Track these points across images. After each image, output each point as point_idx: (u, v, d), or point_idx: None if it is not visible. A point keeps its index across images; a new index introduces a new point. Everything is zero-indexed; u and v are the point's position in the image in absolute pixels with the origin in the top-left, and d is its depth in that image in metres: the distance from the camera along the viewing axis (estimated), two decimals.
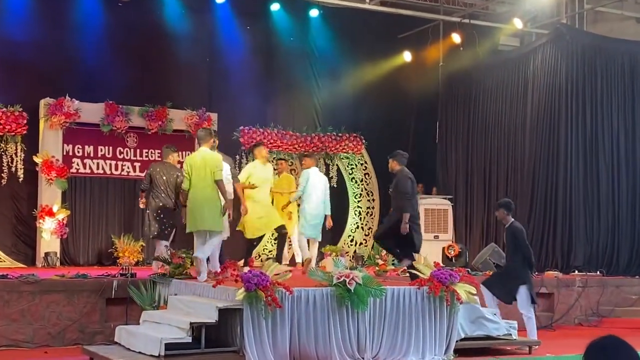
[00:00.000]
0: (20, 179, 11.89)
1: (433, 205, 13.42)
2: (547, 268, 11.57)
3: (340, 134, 14.51)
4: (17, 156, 11.81)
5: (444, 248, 12.25)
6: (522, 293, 8.58)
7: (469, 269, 10.58)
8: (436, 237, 13.20)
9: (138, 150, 12.70)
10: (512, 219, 8.77)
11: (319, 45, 14.68)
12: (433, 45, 14.69)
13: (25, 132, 11.84)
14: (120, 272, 8.96)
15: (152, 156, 12.77)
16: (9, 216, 12.09)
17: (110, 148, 12.53)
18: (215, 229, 8.14)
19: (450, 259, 11.96)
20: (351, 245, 14.45)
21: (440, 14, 14.48)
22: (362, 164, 14.86)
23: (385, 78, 14.89)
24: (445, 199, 13.64)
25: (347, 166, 14.64)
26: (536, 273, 10.12)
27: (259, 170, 10.16)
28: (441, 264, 8.57)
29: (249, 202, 9.51)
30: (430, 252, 12.67)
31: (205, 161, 8.18)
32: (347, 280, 7.10)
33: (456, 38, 14.29)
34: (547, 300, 10.61)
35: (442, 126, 14.80)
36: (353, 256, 13.83)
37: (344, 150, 14.53)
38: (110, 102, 12.42)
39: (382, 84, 14.81)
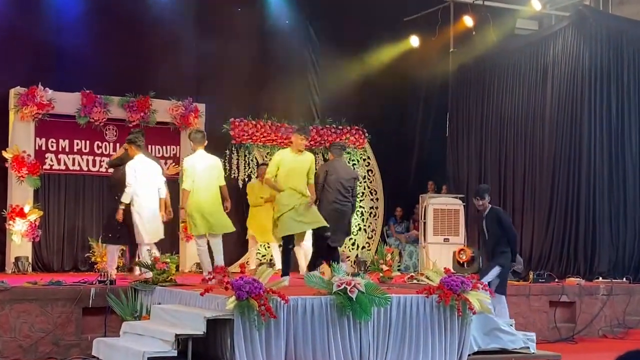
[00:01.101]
0: None
1: (443, 205, 13.43)
2: (568, 275, 11.57)
3: (340, 127, 14.51)
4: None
5: (454, 252, 12.25)
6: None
7: None
8: (446, 240, 13.22)
9: (118, 145, 12.67)
10: (490, 205, 9.12)
11: (317, 28, 14.67)
12: (443, 29, 14.67)
13: None
14: (98, 278, 8.95)
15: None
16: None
17: (87, 142, 12.55)
18: (229, 229, 9.49)
19: (461, 264, 11.97)
20: (353, 249, 14.46)
21: None
22: (364, 160, 14.87)
23: (390, 65, 14.87)
24: (457, 198, 13.64)
25: (349, 162, 14.63)
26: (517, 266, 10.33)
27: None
28: (452, 270, 8.57)
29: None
30: (440, 256, 12.71)
31: (210, 165, 9.26)
32: (349, 287, 7.10)
33: (468, 21, 14.26)
34: (569, 310, 10.62)
35: (452, 118, 14.79)
36: (355, 261, 13.84)
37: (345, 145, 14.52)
38: (88, 91, 12.42)
39: (387, 71, 14.79)
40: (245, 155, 13.76)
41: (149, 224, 9.59)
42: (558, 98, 12.57)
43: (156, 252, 9.18)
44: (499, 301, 8.78)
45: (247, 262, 12.03)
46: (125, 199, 9.50)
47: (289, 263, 9.20)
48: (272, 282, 7.10)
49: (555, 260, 12.22)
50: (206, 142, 9.46)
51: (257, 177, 12.60)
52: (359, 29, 14.55)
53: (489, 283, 8.56)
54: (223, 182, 9.42)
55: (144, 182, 9.58)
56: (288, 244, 9.08)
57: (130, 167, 9.55)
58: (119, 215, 9.54)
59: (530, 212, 12.89)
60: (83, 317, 8.49)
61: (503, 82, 13.81)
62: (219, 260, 9.18)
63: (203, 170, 9.24)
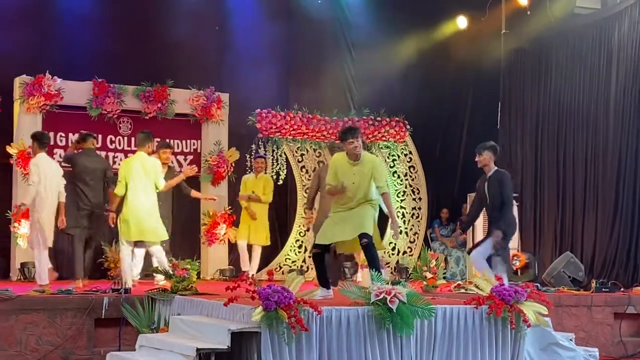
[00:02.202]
0: None
1: None
2: (636, 283, 11.46)
3: (379, 118, 14.50)
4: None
5: None
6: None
7: (539, 284, 10.52)
8: None
9: (133, 139, 12.79)
10: (496, 167, 9.25)
11: (353, 9, 14.67)
12: (494, 8, 14.61)
13: None
14: (112, 287, 9.03)
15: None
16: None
17: (100, 136, 12.62)
18: (164, 238, 10.01)
19: (515, 271, 11.92)
20: (393, 254, 14.45)
21: None
22: (406, 155, 14.84)
23: (434, 49, 14.84)
24: None
25: (388, 157, 14.62)
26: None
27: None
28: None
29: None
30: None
31: (145, 168, 9.71)
32: (389, 297, 7.09)
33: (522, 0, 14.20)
34: (636, 323, 10.51)
35: (505, 108, 14.73)
36: (395, 268, 13.83)
37: (384, 138, 14.52)
38: (100, 80, 12.54)
39: (431, 56, 14.77)
40: (273, 150, 13.80)
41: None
42: (624, 85, 12.44)
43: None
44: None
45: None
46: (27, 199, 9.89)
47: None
48: (303, 291, 7.11)
49: (620, 267, 12.10)
50: (150, 143, 10.07)
51: (251, 171, 12.76)
52: (401, 10, 14.52)
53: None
54: (161, 187, 9.95)
55: (46, 184, 9.91)
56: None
57: (34, 165, 9.90)
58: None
59: (593, 213, 12.77)
60: (95, 329, 8.55)
61: (561, 68, 13.70)
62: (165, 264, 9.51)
63: (139, 175, 9.70)
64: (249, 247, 12.49)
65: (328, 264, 9.16)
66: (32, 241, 9.99)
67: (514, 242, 13.21)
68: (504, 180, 9.26)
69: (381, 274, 7.78)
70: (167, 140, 12.12)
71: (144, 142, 10.01)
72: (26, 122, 12.15)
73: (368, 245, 8.16)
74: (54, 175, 9.93)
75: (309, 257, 13.39)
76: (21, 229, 11.74)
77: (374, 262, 8.10)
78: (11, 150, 12.02)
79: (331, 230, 8.32)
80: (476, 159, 9.42)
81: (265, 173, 12.81)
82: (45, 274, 9.74)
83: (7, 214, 12.03)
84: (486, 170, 9.35)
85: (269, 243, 12.68)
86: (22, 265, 11.63)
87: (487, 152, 9.23)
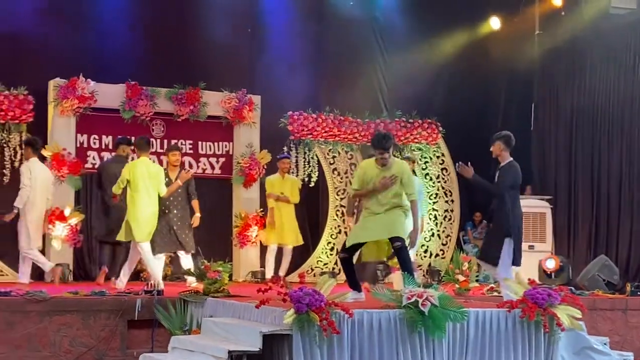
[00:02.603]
0: None
1: (527, 208, 13.20)
2: None
3: (411, 120, 14.47)
4: (21, 148, 12.06)
5: (541, 261, 12.14)
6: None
7: (573, 288, 10.45)
8: (531, 247, 13.04)
9: (165, 141, 12.88)
10: (511, 158, 9.07)
11: (385, 10, 14.66)
12: (527, 9, 14.53)
13: (31, 119, 12.10)
14: (145, 288, 9.10)
15: (182, 148, 12.94)
16: (13, 221, 12.36)
17: (132, 138, 12.67)
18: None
19: (549, 274, 11.85)
20: (425, 257, 14.41)
21: None
22: (438, 157, 14.80)
23: (467, 50, 14.78)
24: (543, 200, 13.48)
25: (420, 160, 14.59)
26: None
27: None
28: (537, 281, 8.49)
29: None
30: (524, 266, 12.53)
31: (150, 173, 9.94)
32: (420, 300, 7.09)
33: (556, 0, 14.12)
34: None
35: (539, 109, 14.65)
36: (427, 271, 13.79)
37: (416, 140, 14.50)
38: (133, 82, 12.63)
39: (464, 57, 14.71)
40: (305, 152, 13.82)
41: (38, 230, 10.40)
42: None
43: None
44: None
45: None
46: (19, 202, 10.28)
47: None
48: (335, 294, 7.13)
49: None
50: (150, 149, 10.50)
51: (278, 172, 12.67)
52: (433, 11, 14.48)
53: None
54: (163, 193, 10.07)
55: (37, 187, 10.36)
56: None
57: (27, 169, 10.26)
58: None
59: (628, 215, 12.67)
60: (128, 330, 8.62)
61: (596, 69, 13.61)
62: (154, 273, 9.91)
63: (143, 179, 9.87)
64: (279, 250, 12.51)
65: (358, 266, 9.20)
66: (20, 242, 10.52)
67: (548, 245, 13.17)
68: (509, 170, 9.17)
69: (413, 277, 7.77)
70: (176, 143, 12.29)
71: (146, 148, 10.28)
72: (60, 124, 12.26)
73: (401, 248, 8.17)
74: (44, 180, 10.37)
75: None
76: (55, 231, 11.84)
77: (406, 266, 8.10)
78: (46, 152, 12.10)
79: (361, 232, 8.36)
80: (491, 149, 9.37)
81: (290, 173, 12.84)
82: (28, 274, 10.28)
83: None
84: (500, 161, 9.34)
85: (301, 242, 12.69)
86: (56, 266, 11.71)
87: (498, 142, 9.16)
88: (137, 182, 9.86)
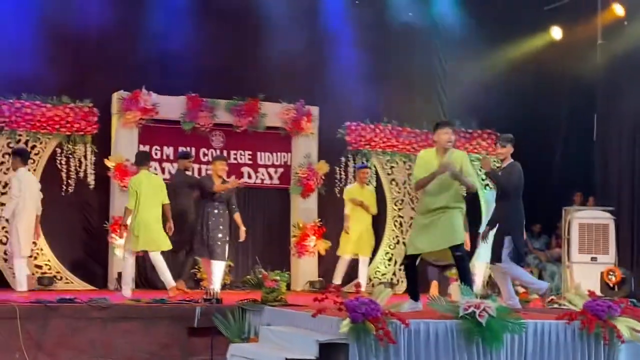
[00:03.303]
0: (90, 186, 12.43)
1: (590, 220, 13.15)
2: None
3: (470, 130, 14.43)
4: (86, 159, 12.36)
5: (602, 273, 12.03)
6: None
7: (634, 300, 10.29)
8: (594, 259, 12.94)
9: (225, 152, 13.04)
10: (512, 159, 9.31)
11: (445, 20, 14.66)
12: (589, 18, 14.40)
13: (95, 131, 12.40)
14: (204, 297, 9.25)
15: (241, 158, 13.12)
16: (77, 229, 12.64)
17: (193, 149, 12.87)
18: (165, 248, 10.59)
19: (610, 287, 11.72)
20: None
21: None
22: (498, 167, 14.68)
23: (528, 60, 14.69)
24: (606, 211, 13.33)
25: (480, 170, 14.51)
26: None
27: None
28: (598, 293, 8.40)
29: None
30: (586, 277, 12.42)
31: (153, 185, 10.46)
32: (478, 311, 7.07)
33: (619, 9, 13.96)
34: None
35: (601, 120, 14.48)
36: (487, 282, 13.70)
37: (476, 151, 14.44)
38: (193, 94, 12.83)
39: (524, 67, 14.62)
40: (362, 163, 13.85)
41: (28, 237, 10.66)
42: None
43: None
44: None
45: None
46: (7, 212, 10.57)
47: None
48: (391, 303, 7.16)
49: None
50: (150, 162, 11.19)
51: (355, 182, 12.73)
52: (493, 20, 14.44)
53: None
54: (167, 201, 10.59)
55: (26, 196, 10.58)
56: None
57: (16, 180, 10.56)
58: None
59: None
60: (188, 338, 8.75)
61: None
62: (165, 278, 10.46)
63: (147, 191, 10.37)
64: (353, 260, 12.49)
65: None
66: (10, 250, 10.81)
67: (611, 257, 13.00)
68: (514, 169, 9.36)
69: (472, 288, 7.75)
70: (223, 153, 12.66)
71: (146, 162, 10.75)
72: (123, 136, 12.50)
73: (462, 258, 8.15)
74: (33, 188, 10.70)
75: (399, 269, 13.42)
76: (118, 240, 12.06)
77: (465, 276, 8.08)
78: (109, 163, 12.36)
79: (420, 241, 8.28)
80: (499, 151, 9.54)
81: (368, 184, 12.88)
82: (24, 281, 10.48)
83: (104, 225, 12.41)
84: (504, 162, 9.44)
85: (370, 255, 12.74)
86: (119, 274, 11.90)
87: (509, 145, 9.40)
88: (143, 195, 10.31)
